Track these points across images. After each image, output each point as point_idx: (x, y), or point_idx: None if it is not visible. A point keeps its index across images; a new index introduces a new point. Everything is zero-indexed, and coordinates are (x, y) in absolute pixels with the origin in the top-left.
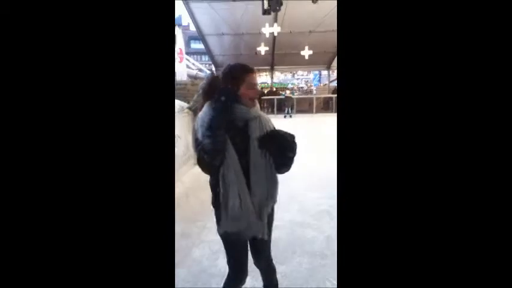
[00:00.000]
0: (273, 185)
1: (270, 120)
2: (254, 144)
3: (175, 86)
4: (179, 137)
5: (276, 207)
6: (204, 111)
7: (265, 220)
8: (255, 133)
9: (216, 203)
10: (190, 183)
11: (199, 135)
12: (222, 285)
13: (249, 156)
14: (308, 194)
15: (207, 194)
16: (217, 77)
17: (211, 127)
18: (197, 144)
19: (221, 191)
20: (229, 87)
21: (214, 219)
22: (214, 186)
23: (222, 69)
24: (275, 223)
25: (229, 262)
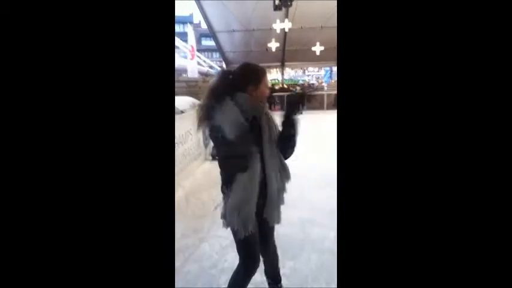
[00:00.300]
0: (285, 167)
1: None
2: (266, 135)
3: (187, 83)
4: (190, 133)
5: (287, 204)
6: (230, 114)
7: (280, 206)
8: (266, 126)
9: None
10: (202, 179)
11: (228, 134)
12: (231, 276)
13: (262, 146)
14: (318, 192)
15: (218, 189)
16: (229, 72)
17: (241, 142)
18: (225, 143)
19: (229, 187)
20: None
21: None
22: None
23: (235, 68)
24: (284, 221)
25: (240, 252)
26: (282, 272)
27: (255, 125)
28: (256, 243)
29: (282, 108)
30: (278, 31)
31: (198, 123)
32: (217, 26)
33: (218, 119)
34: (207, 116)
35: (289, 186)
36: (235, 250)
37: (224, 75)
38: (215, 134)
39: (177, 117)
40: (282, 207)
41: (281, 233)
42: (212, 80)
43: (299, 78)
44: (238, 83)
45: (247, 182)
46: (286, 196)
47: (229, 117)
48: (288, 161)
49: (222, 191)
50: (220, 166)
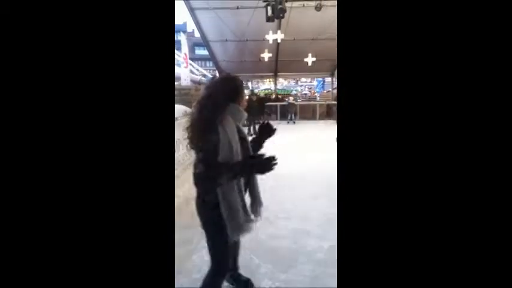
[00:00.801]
0: None
1: None
2: (248, 141)
3: (180, 92)
4: (181, 141)
5: (279, 214)
6: (231, 134)
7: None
8: (244, 132)
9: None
10: (192, 188)
11: (226, 152)
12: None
13: (247, 151)
14: (311, 202)
15: None
16: (216, 83)
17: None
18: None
19: (225, 201)
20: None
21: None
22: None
23: (216, 80)
24: (279, 231)
25: (216, 256)
26: (275, 284)
27: (241, 133)
28: (229, 249)
29: (275, 118)
30: (271, 42)
31: (195, 136)
32: (210, 35)
33: (217, 137)
34: (208, 130)
35: (281, 197)
36: None
37: (223, 83)
38: (211, 148)
39: None
40: (274, 219)
41: (274, 244)
42: (204, 90)
43: (292, 88)
44: (230, 94)
45: (236, 188)
46: (279, 207)
47: (230, 137)
48: (281, 172)
49: (206, 200)
50: (208, 176)
